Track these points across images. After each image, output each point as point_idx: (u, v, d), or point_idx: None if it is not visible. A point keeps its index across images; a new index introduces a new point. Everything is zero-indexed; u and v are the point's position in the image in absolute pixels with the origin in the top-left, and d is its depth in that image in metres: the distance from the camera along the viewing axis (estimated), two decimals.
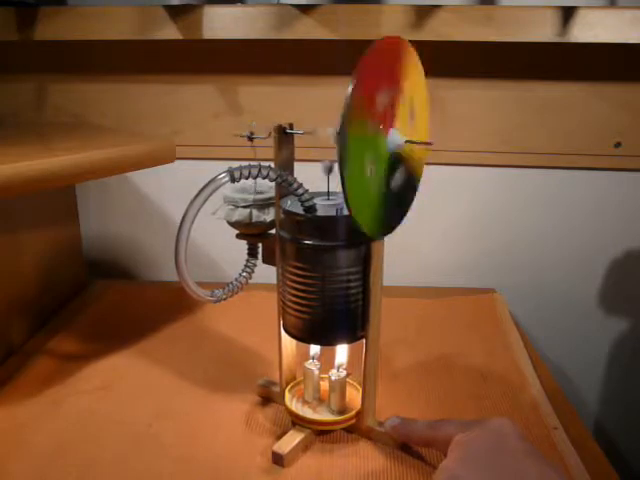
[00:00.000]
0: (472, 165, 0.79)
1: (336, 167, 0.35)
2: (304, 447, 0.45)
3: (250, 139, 0.43)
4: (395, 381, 0.56)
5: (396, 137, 0.38)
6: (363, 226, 0.38)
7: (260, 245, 0.48)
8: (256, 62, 0.76)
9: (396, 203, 0.41)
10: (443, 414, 0.50)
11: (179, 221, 0.39)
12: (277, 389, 0.51)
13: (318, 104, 0.76)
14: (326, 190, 0.43)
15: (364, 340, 0.44)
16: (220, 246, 0.84)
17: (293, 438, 0.45)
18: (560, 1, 0.66)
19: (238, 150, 0.75)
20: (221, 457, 0.44)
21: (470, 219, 0.82)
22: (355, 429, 0.47)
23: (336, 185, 0.37)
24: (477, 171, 0.79)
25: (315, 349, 0.48)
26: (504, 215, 0.81)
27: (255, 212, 0.45)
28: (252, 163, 0.40)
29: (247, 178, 0.40)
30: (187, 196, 0.39)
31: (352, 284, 0.42)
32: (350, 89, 0.33)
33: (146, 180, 0.83)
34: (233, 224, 0.46)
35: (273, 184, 0.43)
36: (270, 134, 0.42)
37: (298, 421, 0.46)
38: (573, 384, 0.88)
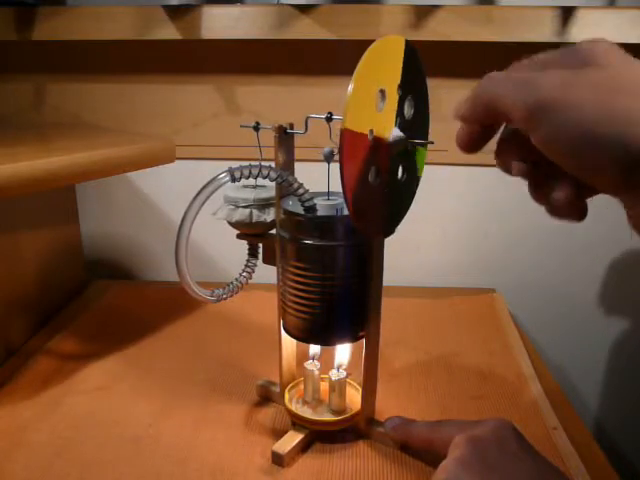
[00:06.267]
0: (472, 165, 0.79)
1: (336, 155, 0.35)
2: (304, 447, 0.45)
3: (256, 129, 0.43)
4: (395, 381, 0.56)
5: (397, 138, 0.38)
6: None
7: (260, 245, 0.48)
8: (255, 62, 0.76)
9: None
10: (443, 414, 0.50)
11: (179, 221, 0.39)
12: (277, 389, 0.51)
13: (318, 104, 0.76)
14: (326, 190, 0.43)
15: (364, 340, 0.44)
16: (220, 246, 0.84)
17: (293, 438, 0.45)
18: (560, 1, 0.66)
19: (238, 150, 0.75)
20: (221, 457, 0.44)
21: (470, 219, 0.82)
22: (355, 429, 0.47)
23: (336, 185, 0.37)
24: (477, 171, 0.79)
25: (315, 349, 0.48)
26: (504, 215, 0.81)
27: (256, 212, 0.45)
28: (252, 163, 0.40)
29: (247, 178, 0.40)
30: (187, 196, 0.39)
31: (352, 284, 0.42)
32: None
33: (146, 180, 0.83)
34: (234, 224, 0.46)
35: (274, 184, 0.43)
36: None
37: (298, 421, 0.46)
38: (573, 384, 0.88)
